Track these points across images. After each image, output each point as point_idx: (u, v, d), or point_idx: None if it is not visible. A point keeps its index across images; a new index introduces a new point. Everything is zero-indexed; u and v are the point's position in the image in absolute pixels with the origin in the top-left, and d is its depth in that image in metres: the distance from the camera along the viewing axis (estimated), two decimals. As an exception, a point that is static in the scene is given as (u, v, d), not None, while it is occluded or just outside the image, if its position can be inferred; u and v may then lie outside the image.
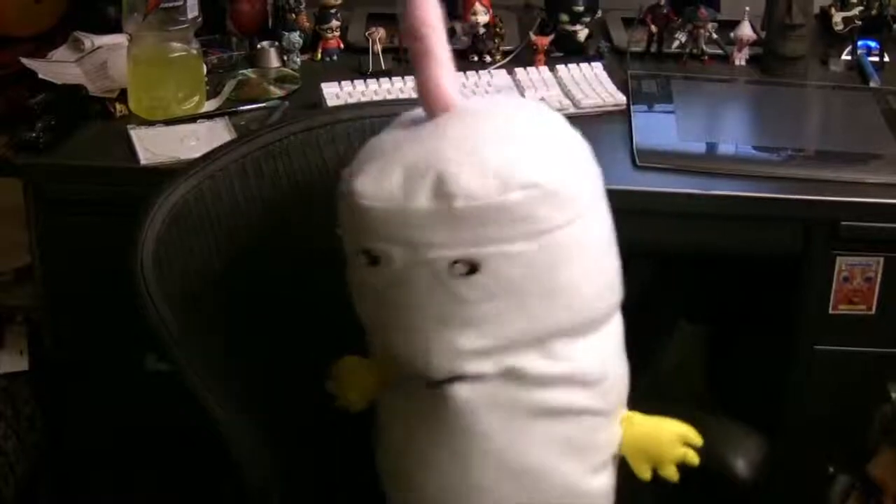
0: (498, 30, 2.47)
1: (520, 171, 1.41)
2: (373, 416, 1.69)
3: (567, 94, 2.29)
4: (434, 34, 1.51)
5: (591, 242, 1.49)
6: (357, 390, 1.70)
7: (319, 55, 2.48)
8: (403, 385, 1.56)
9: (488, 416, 1.50)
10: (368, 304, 1.53)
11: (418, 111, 1.56)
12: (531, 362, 1.48)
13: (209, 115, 2.21)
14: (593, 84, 2.32)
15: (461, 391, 1.48)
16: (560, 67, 2.38)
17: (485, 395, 1.49)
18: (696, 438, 1.60)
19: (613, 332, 1.59)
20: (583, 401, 1.54)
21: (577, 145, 1.53)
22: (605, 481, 1.61)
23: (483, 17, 2.44)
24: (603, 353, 1.56)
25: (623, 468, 1.63)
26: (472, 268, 1.41)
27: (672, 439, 1.60)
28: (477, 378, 1.47)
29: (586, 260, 1.48)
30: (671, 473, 1.59)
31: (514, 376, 1.48)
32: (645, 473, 1.60)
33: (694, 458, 1.59)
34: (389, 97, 2.24)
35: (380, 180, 1.43)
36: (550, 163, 1.45)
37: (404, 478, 1.62)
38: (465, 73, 2.34)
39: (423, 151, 1.44)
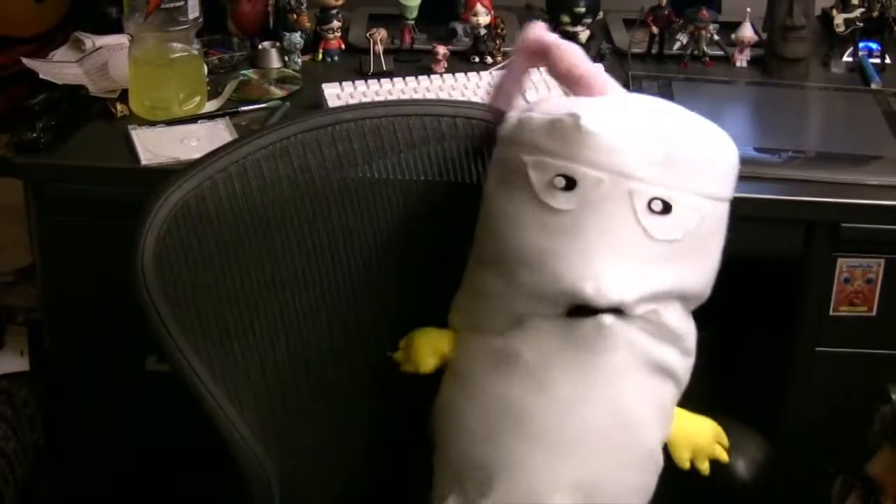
0: (499, 31, 2.46)
1: (729, 144, 1.67)
2: (374, 417, 1.68)
3: (568, 95, 2.28)
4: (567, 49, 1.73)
5: (726, 227, 1.67)
6: (430, 354, 1.73)
7: (320, 56, 2.48)
8: (528, 327, 1.61)
9: (622, 357, 1.57)
10: (536, 231, 1.59)
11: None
12: (671, 315, 1.60)
13: (210, 116, 2.21)
14: (594, 85, 2.32)
15: (613, 323, 1.55)
16: (561, 68, 2.38)
17: (626, 337, 1.56)
18: (726, 439, 1.70)
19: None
20: (681, 369, 1.66)
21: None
22: (661, 456, 1.66)
23: (484, 18, 2.44)
24: (694, 330, 1.68)
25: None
26: (666, 208, 1.55)
27: (711, 436, 1.69)
28: (625, 317, 1.55)
29: (721, 239, 1.66)
30: (705, 467, 1.67)
31: (653, 323, 1.58)
32: (685, 462, 1.67)
33: (725, 456, 1.69)
34: (390, 98, 2.24)
35: (610, 116, 1.59)
36: (730, 144, 1.68)
37: (501, 420, 1.62)
38: (466, 74, 2.34)
39: (649, 115, 1.65)
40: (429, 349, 1.73)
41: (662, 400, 1.64)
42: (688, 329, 1.65)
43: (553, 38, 1.74)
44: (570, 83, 1.72)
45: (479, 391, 1.65)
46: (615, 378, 1.58)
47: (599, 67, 1.77)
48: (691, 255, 1.60)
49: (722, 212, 1.64)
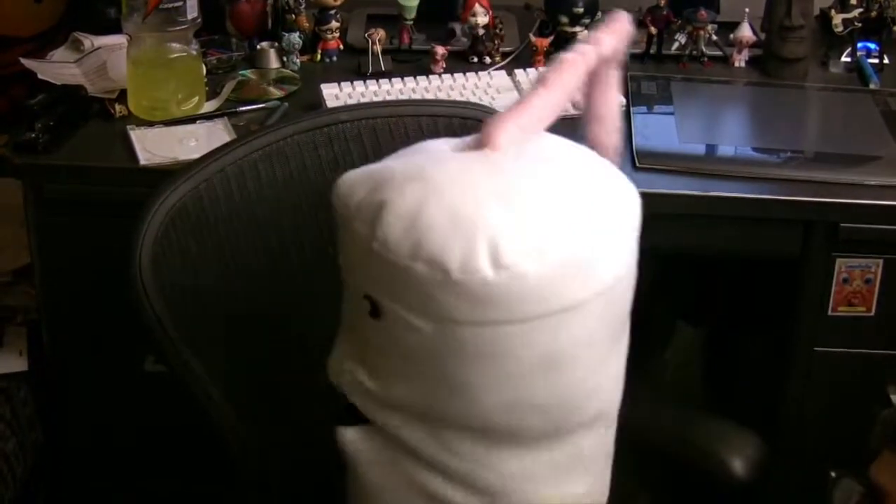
0: (498, 31, 2.47)
1: (436, 244, 1.27)
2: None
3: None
4: (553, 81, 1.44)
5: (520, 356, 1.32)
6: None
7: (319, 56, 2.48)
8: None
9: (373, 471, 1.45)
10: None
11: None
12: (416, 438, 1.39)
13: (209, 116, 2.21)
14: (593, 85, 2.32)
15: (347, 434, 1.45)
16: (560, 69, 2.38)
17: (374, 449, 1.44)
18: None
19: (566, 454, 1.43)
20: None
21: (587, 244, 1.33)
22: None
23: (482, 19, 2.44)
24: (524, 473, 1.41)
25: (620, 466, 1.62)
26: (375, 311, 1.34)
27: None
28: (365, 424, 1.43)
29: (502, 371, 1.32)
30: None
31: (398, 441, 1.41)
32: None
33: None
34: (389, 98, 2.24)
35: (353, 178, 1.38)
36: (485, 251, 1.26)
37: None
38: (464, 74, 2.34)
39: (402, 173, 1.35)
40: None
41: None
42: (462, 464, 1.40)
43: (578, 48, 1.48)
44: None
45: None
46: (373, 497, 1.47)
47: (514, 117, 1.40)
48: (424, 373, 1.34)
49: (465, 337, 1.30)
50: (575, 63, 1.46)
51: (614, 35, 1.50)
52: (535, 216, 1.30)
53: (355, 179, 1.38)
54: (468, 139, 1.41)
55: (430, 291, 1.28)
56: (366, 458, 1.44)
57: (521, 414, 1.36)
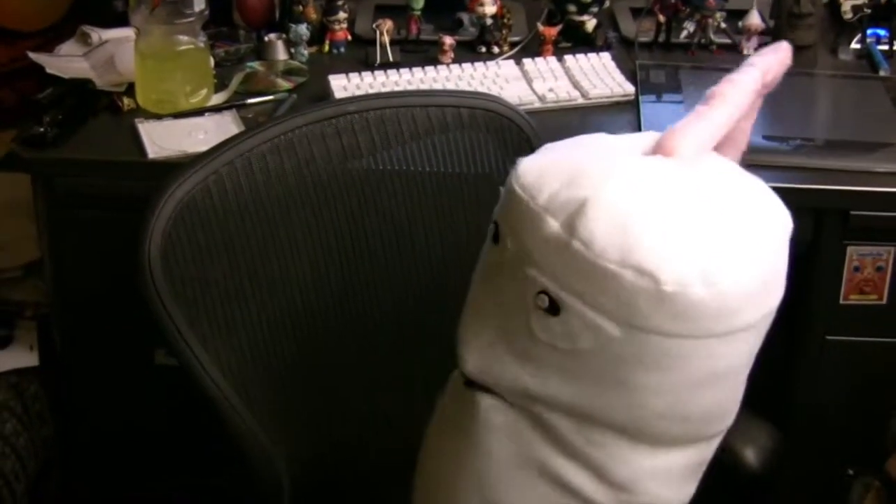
0: (506, 20, 2.46)
1: (647, 253, 1.23)
2: (385, 412, 1.69)
3: (575, 84, 2.28)
4: (735, 83, 1.40)
5: (694, 369, 1.31)
6: None
7: (327, 47, 2.48)
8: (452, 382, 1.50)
9: (499, 441, 1.42)
10: (476, 274, 1.44)
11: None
12: (566, 429, 1.37)
13: (217, 109, 2.21)
14: (601, 74, 2.32)
15: (486, 400, 1.41)
16: (568, 58, 2.38)
17: (507, 422, 1.41)
18: None
19: (680, 460, 1.43)
20: (596, 496, 1.41)
21: (772, 267, 1.34)
22: None
23: (490, 8, 2.44)
24: (653, 472, 1.41)
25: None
26: (554, 308, 1.29)
27: None
28: (507, 402, 1.40)
29: (673, 381, 1.32)
30: None
31: (545, 426, 1.38)
32: None
33: None
34: (397, 89, 2.24)
35: (541, 174, 1.32)
36: (696, 266, 1.24)
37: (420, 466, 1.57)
38: (472, 64, 2.34)
39: (596, 173, 1.30)
40: None
41: None
42: (613, 461, 1.38)
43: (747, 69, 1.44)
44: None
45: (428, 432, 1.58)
46: (489, 465, 1.42)
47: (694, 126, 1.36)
48: (594, 378, 1.32)
49: (652, 343, 1.27)
50: (750, 83, 1.42)
51: (779, 64, 1.48)
52: (734, 234, 1.28)
53: (543, 168, 1.33)
54: (641, 140, 1.38)
55: (631, 299, 1.24)
56: (497, 428, 1.41)
57: (672, 422, 1.36)
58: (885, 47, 2.48)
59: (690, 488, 1.47)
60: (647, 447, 1.38)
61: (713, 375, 1.33)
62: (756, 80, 1.43)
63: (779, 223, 1.36)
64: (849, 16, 2.52)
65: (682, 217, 1.26)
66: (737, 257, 1.26)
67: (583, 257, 1.25)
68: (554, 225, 1.27)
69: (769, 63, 1.45)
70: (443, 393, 1.52)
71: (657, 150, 1.32)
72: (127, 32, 2.29)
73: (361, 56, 2.43)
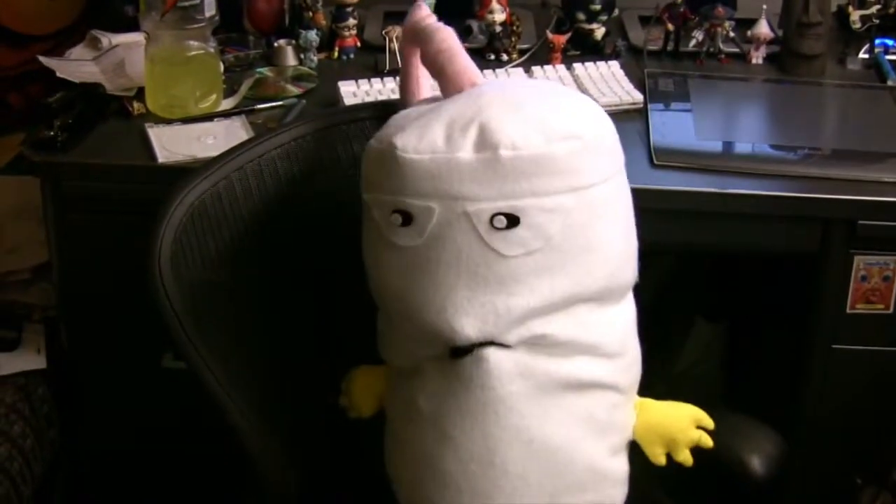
0: (515, 28, 2.47)
1: (562, 122, 1.42)
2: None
3: (584, 92, 2.28)
4: (446, 29, 1.58)
5: (622, 203, 1.51)
6: (368, 396, 1.71)
7: (336, 53, 2.48)
8: (421, 367, 1.54)
9: (517, 386, 1.48)
10: (391, 271, 1.50)
11: (423, 100, 1.60)
12: (561, 328, 1.47)
13: (226, 114, 2.21)
14: (610, 82, 2.32)
15: (492, 355, 1.46)
16: (577, 66, 2.38)
17: (514, 365, 1.47)
18: (709, 421, 1.60)
19: (630, 308, 1.59)
20: (606, 375, 1.53)
21: (602, 110, 1.53)
22: (622, 464, 1.60)
23: (500, 16, 2.44)
24: (624, 327, 1.57)
25: (636, 462, 1.62)
26: (512, 220, 1.40)
27: (685, 423, 1.60)
28: (506, 346, 1.46)
29: (618, 220, 1.49)
30: (685, 458, 1.59)
31: (543, 344, 1.47)
32: (659, 458, 1.59)
33: (708, 441, 1.59)
34: (406, 95, 2.24)
35: (423, 134, 1.43)
36: (589, 117, 1.47)
37: (421, 470, 1.58)
38: (481, 71, 2.33)
39: (463, 108, 1.45)
40: (367, 393, 1.71)
41: (590, 413, 1.53)
42: (601, 332, 1.52)
43: (427, 21, 1.61)
44: (435, 75, 1.57)
45: (400, 440, 1.62)
46: (516, 412, 1.48)
47: (465, 62, 1.55)
48: (568, 256, 1.44)
49: (597, 197, 1.45)
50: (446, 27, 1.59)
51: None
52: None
53: (414, 135, 1.45)
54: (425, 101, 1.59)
55: (568, 164, 1.41)
56: (509, 373, 1.47)
57: (627, 264, 1.53)
58: (894, 57, 2.48)
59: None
60: (613, 305, 1.53)
61: (628, 208, 1.52)
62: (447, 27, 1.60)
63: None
64: (857, 25, 2.52)
65: (544, 92, 1.51)
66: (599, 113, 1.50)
67: (514, 158, 1.39)
68: (469, 156, 1.40)
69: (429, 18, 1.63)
70: (398, 394, 1.59)
71: (462, 86, 1.52)
72: (137, 37, 2.29)
73: (371, 62, 2.43)
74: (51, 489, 2.38)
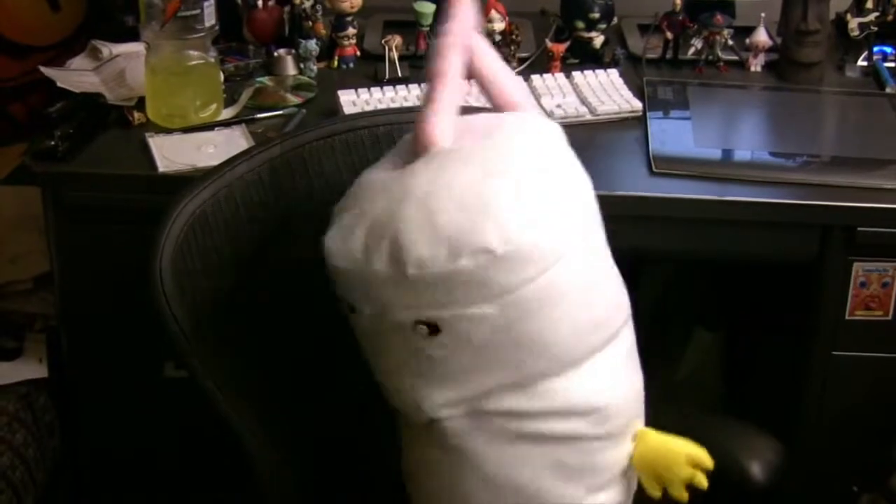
0: (514, 37, 2.47)
1: (473, 235, 1.36)
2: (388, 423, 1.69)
3: (583, 100, 2.29)
4: (448, 55, 1.49)
5: (564, 288, 1.43)
6: None
7: (336, 63, 2.49)
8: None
9: (476, 440, 1.50)
10: (360, 343, 1.55)
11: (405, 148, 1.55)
12: (514, 402, 1.47)
13: (226, 123, 2.22)
14: (609, 91, 2.33)
15: (444, 423, 1.49)
16: (576, 74, 2.38)
17: (468, 424, 1.49)
18: (707, 461, 1.56)
19: (612, 353, 1.53)
20: (578, 428, 1.51)
21: (555, 183, 1.46)
22: (609, 500, 1.58)
23: (499, 24, 2.45)
24: (597, 384, 1.51)
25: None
26: (433, 329, 1.41)
27: (681, 460, 1.56)
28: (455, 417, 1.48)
29: (559, 307, 1.44)
30: (679, 495, 1.56)
31: (495, 415, 1.48)
32: (654, 492, 1.58)
33: (702, 482, 1.55)
34: (406, 104, 2.25)
35: (345, 240, 1.44)
36: (511, 221, 1.38)
37: (414, 493, 1.64)
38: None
39: (386, 210, 1.42)
40: None
41: (561, 459, 1.51)
42: (566, 399, 1.48)
43: (448, 37, 1.50)
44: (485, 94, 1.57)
45: (408, 458, 1.65)
46: (482, 457, 1.50)
47: (441, 113, 1.47)
48: (504, 351, 1.43)
49: (522, 298, 1.40)
50: (454, 45, 1.50)
51: (469, 17, 1.53)
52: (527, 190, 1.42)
53: (343, 237, 1.45)
54: (399, 153, 1.53)
55: (483, 278, 1.37)
56: (472, 431, 1.49)
57: (584, 335, 1.48)
58: (892, 64, 2.49)
59: (638, 370, 1.60)
60: (580, 368, 1.48)
61: (586, 284, 1.47)
62: (460, 37, 1.51)
63: (541, 158, 1.48)
64: (856, 33, 2.53)
65: (469, 194, 1.39)
66: (533, 208, 1.40)
67: (422, 276, 1.37)
68: (383, 270, 1.39)
69: (463, 24, 1.52)
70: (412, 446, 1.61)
71: (420, 150, 1.46)
72: (137, 47, 2.30)
73: (370, 71, 2.44)
74: (53, 498, 2.38)
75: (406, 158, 1.49)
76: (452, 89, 1.49)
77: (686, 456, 1.57)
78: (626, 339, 1.57)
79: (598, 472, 1.56)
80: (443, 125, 1.47)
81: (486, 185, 1.40)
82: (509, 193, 1.40)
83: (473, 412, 1.47)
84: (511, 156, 1.46)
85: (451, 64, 1.49)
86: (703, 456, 1.56)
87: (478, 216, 1.37)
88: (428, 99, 1.48)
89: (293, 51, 2.44)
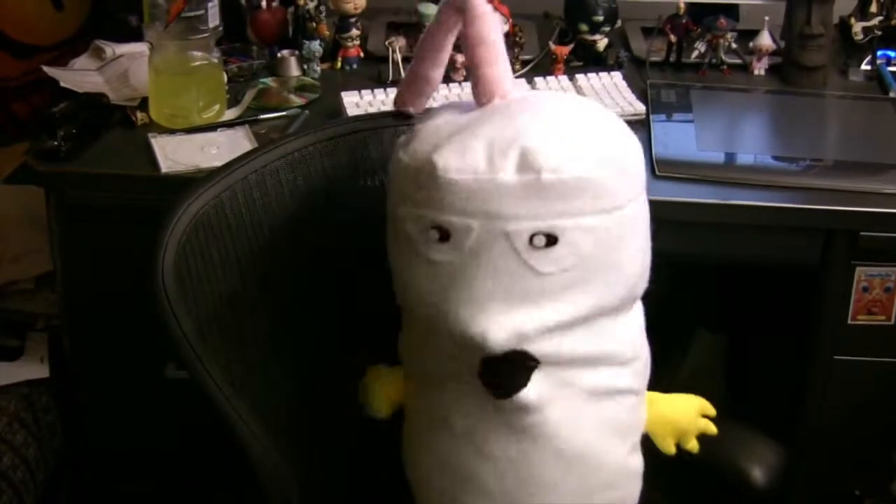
0: (517, 39, 2.47)
1: (600, 146, 1.46)
2: (394, 426, 1.69)
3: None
4: (493, 18, 1.55)
5: (645, 219, 1.54)
6: (382, 399, 1.71)
7: (339, 64, 2.49)
8: (453, 386, 1.56)
9: (554, 409, 1.51)
10: (424, 282, 1.51)
11: (450, 105, 1.60)
12: (583, 341, 1.51)
13: (230, 124, 2.22)
14: (612, 93, 2.33)
15: (531, 395, 1.49)
16: (579, 77, 2.38)
17: (549, 389, 1.50)
18: (711, 409, 1.68)
19: (639, 312, 1.63)
20: (624, 380, 1.58)
21: (628, 129, 1.56)
22: (639, 460, 1.64)
23: (503, 27, 2.44)
24: (637, 332, 1.61)
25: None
26: (551, 240, 1.43)
27: (693, 413, 1.67)
28: (537, 365, 1.48)
29: (641, 236, 1.53)
30: (693, 446, 1.66)
31: (569, 357, 1.50)
32: (670, 448, 1.65)
33: (712, 428, 1.67)
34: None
35: (464, 154, 1.44)
36: (621, 140, 1.51)
37: (452, 480, 1.61)
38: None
39: (503, 127, 1.46)
40: (383, 396, 1.71)
41: (614, 417, 1.59)
42: (618, 341, 1.56)
43: (481, 4, 1.55)
44: (469, 64, 1.57)
45: (429, 450, 1.63)
46: (552, 430, 1.53)
47: (503, 69, 1.55)
48: (597, 273, 1.48)
49: (626, 216, 1.49)
50: (487, 13, 1.56)
51: None
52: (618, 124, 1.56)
53: (454, 153, 1.45)
54: (454, 109, 1.58)
55: (607, 186, 1.45)
56: (549, 399, 1.51)
57: (643, 276, 1.57)
58: (895, 69, 2.49)
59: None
60: (626, 313, 1.57)
61: (648, 223, 1.55)
62: (490, 12, 1.57)
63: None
64: (859, 37, 2.53)
65: (578, 121, 1.50)
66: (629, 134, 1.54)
67: (556, 182, 1.42)
68: (512, 178, 1.42)
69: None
70: (426, 406, 1.61)
71: (489, 101, 1.54)
72: (141, 47, 2.30)
73: (374, 73, 2.44)
74: (53, 498, 2.38)
75: (466, 112, 1.55)
76: (499, 47, 1.55)
77: (696, 408, 1.68)
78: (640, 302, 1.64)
79: (636, 429, 1.64)
80: (511, 78, 1.56)
81: (587, 116, 1.52)
82: (614, 122, 1.54)
83: (555, 356, 1.49)
84: (584, 101, 1.60)
85: (497, 25, 1.55)
86: (707, 405, 1.69)
87: (599, 133, 1.49)
88: (492, 56, 1.54)
89: (297, 52, 2.44)
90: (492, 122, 1.48)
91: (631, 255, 1.51)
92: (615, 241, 1.48)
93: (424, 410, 1.63)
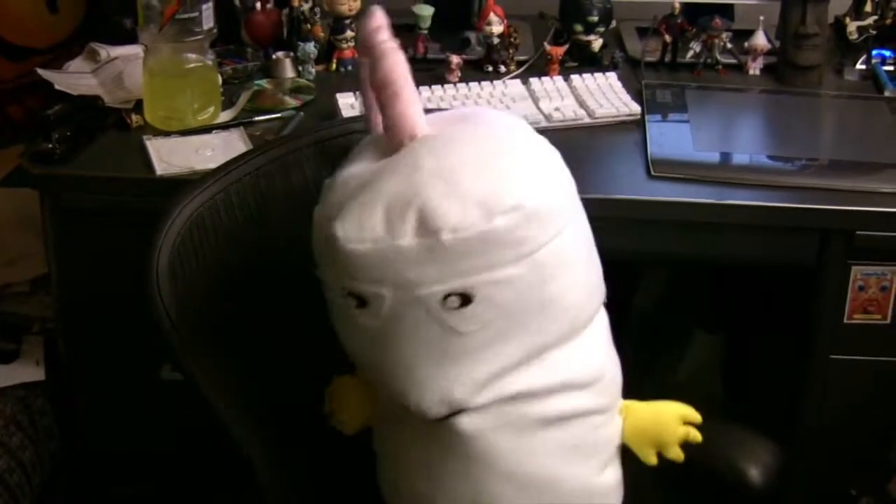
0: (512, 40, 2.47)
1: (500, 195, 1.38)
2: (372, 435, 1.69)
3: (581, 103, 2.29)
4: (392, 57, 1.48)
5: (574, 250, 1.48)
6: (349, 411, 1.69)
7: (334, 65, 2.49)
8: (404, 416, 1.52)
9: (496, 438, 1.49)
10: (357, 344, 1.51)
11: (377, 138, 1.54)
12: (530, 379, 1.47)
13: (224, 126, 2.21)
14: (608, 94, 2.32)
15: (465, 424, 1.47)
16: (574, 77, 2.38)
17: (490, 420, 1.48)
18: (695, 416, 1.61)
19: (599, 327, 1.57)
20: (584, 402, 1.53)
21: (549, 156, 1.50)
22: (612, 476, 1.61)
23: (497, 27, 2.45)
24: (594, 351, 1.55)
25: (628, 465, 1.63)
26: (465, 299, 1.39)
27: (672, 421, 1.61)
28: (479, 408, 1.46)
29: (573, 268, 1.47)
30: (676, 454, 1.60)
31: (515, 397, 1.47)
32: (651, 458, 1.60)
33: (696, 436, 1.60)
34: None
35: (362, 221, 1.40)
36: (529, 182, 1.42)
37: (413, 500, 1.62)
38: (479, 83, 2.35)
39: (401, 185, 1.41)
40: (353, 410, 1.69)
41: (576, 438, 1.55)
42: (572, 368, 1.52)
43: (376, 38, 1.51)
44: (379, 107, 1.51)
45: (395, 472, 1.64)
46: (501, 458, 1.51)
47: (406, 107, 1.47)
48: (527, 317, 1.44)
49: (546, 258, 1.42)
50: (393, 48, 1.50)
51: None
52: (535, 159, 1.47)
53: (353, 222, 1.41)
54: (365, 154, 1.52)
55: (512, 236, 1.38)
56: (490, 429, 1.49)
57: (589, 301, 1.52)
58: (891, 68, 2.48)
59: (613, 346, 1.62)
60: (579, 338, 1.51)
61: (586, 247, 1.51)
62: (396, 48, 1.51)
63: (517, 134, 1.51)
64: (854, 36, 2.53)
65: (485, 165, 1.42)
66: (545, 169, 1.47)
67: (458, 241, 1.36)
68: (412, 243, 1.37)
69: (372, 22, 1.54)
70: (388, 432, 1.61)
71: (400, 142, 1.46)
72: (135, 50, 2.30)
73: (368, 74, 2.44)
74: (50, 501, 2.38)
75: (382, 153, 1.48)
76: (411, 85, 1.48)
77: (677, 415, 1.61)
78: (604, 315, 1.59)
79: (601, 448, 1.59)
80: (419, 115, 1.47)
81: (498, 156, 1.43)
82: (523, 161, 1.44)
83: (497, 400, 1.46)
84: (508, 133, 1.50)
85: (399, 63, 1.48)
86: (691, 412, 1.61)
87: (501, 181, 1.40)
88: (392, 97, 1.46)
89: (291, 54, 2.44)
90: (394, 176, 1.42)
91: (565, 290, 1.46)
92: (539, 284, 1.42)
93: (388, 438, 1.64)
